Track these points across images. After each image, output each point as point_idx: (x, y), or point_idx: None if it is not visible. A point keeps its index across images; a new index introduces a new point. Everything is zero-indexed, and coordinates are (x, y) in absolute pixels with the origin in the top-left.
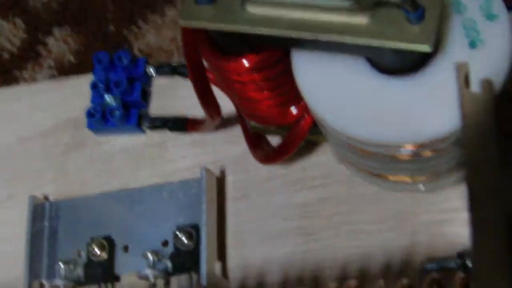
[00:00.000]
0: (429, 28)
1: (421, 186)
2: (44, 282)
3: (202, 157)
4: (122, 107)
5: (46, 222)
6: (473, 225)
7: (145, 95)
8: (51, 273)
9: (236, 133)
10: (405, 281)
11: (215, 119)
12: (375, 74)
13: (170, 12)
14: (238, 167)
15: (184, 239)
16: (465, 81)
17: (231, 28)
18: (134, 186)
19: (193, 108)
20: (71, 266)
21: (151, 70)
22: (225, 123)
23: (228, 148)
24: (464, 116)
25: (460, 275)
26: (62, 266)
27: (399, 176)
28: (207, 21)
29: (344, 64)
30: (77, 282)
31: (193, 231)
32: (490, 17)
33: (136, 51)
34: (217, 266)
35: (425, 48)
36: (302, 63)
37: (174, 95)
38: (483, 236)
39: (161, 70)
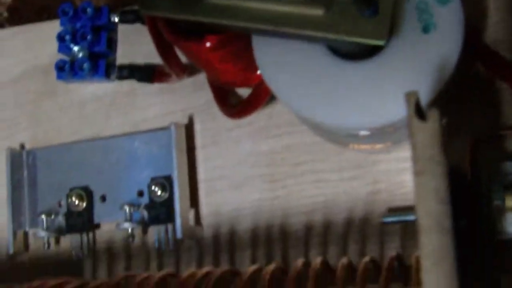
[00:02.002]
0: (382, 23)
1: (381, 148)
2: (28, 230)
3: (170, 105)
4: (90, 58)
5: (25, 171)
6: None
7: (111, 44)
8: (34, 223)
9: (203, 80)
10: (367, 258)
11: (180, 76)
12: (333, 58)
13: None
14: (206, 114)
15: (158, 190)
16: (415, 109)
17: (191, 18)
18: (106, 135)
19: None
20: (52, 217)
21: (115, 18)
22: (193, 71)
23: (195, 95)
24: (413, 145)
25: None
26: (44, 218)
27: (358, 145)
28: (167, 11)
29: (303, 48)
30: (59, 231)
31: (166, 183)
32: (443, 0)
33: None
34: (191, 214)
35: (379, 42)
36: (262, 46)
37: (139, 41)
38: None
39: (125, 18)
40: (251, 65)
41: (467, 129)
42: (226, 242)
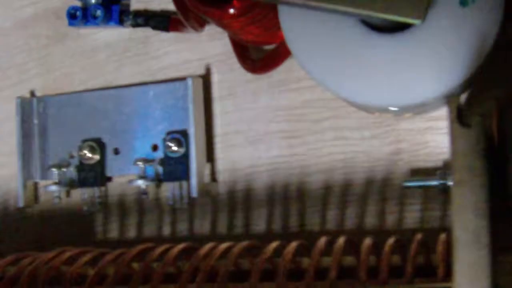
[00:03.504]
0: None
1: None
2: (38, 181)
3: (186, 54)
4: (103, 4)
5: (35, 120)
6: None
7: None
8: (45, 174)
9: (221, 29)
10: (391, 240)
11: (198, 30)
12: (364, 30)
13: None
14: (224, 65)
15: (173, 146)
16: (457, 115)
17: None
18: (119, 83)
19: None
20: (64, 170)
21: None
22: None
23: (213, 44)
24: (454, 152)
25: (443, 237)
26: (55, 171)
27: (383, 114)
28: None
29: (332, 18)
30: (70, 185)
31: (182, 138)
32: None
33: None
34: (207, 169)
35: (416, 21)
36: (289, 18)
37: None
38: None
39: None
40: (275, 24)
41: (496, 91)
42: (242, 200)
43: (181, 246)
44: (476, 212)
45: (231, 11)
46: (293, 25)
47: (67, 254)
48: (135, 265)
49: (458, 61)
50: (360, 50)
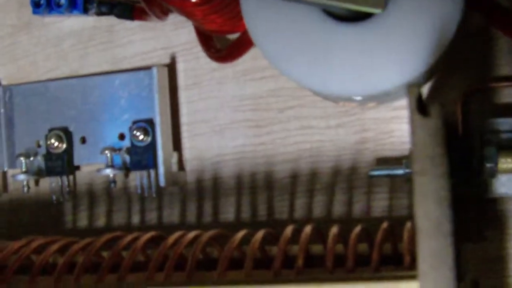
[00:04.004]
0: None
1: (373, 106)
2: (6, 170)
3: (151, 42)
4: None
5: (1, 109)
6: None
7: None
8: (12, 163)
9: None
10: (358, 229)
11: (161, 18)
12: (328, 20)
13: None
14: (189, 54)
15: (140, 135)
16: (417, 105)
17: None
18: (85, 72)
19: None
20: (31, 158)
21: None
22: None
23: (178, 33)
24: (414, 142)
25: (409, 226)
26: (22, 160)
27: (349, 103)
28: None
29: (295, 9)
30: (38, 174)
31: (148, 127)
32: None
33: None
34: (174, 158)
35: (377, 11)
36: (252, 8)
37: None
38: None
39: None
40: (238, 13)
41: (459, 80)
42: (210, 189)
43: (149, 234)
44: (437, 201)
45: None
46: (255, 14)
47: (37, 243)
48: (104, 253)
49: (420, 50)
50: (322, 40)
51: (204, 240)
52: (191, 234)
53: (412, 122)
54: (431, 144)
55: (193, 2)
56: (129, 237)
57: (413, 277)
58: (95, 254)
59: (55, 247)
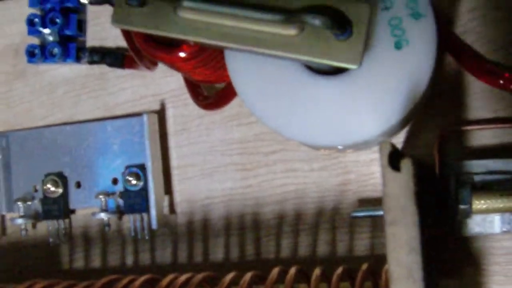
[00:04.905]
0: (356, 46)
1: (351, 152)
2: (4, 214)
3: (141, 89)
4: (60, 42)
5: None
6: None
7: (81, 26)
8: (10, 207)
9: None
10: (340, 270)
11: (151, 69)
12: (305, 72)
13: None
14: (178, 100)
15: (132, 180)
16: (388, 160)
17: (162, 33)
18: (78, 118)
19: None
20: (29, 203)
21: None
22: None
23: (167, 81)
24: (386, 194)
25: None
26: (20, 205)
27: (329, 150)
28: (139, 25)
29: (276, 63)
30: (35, 217)
31: (140, 172)
32: (416, 15)
33: None
34: (165, 202)
35: (352, 66)
36: (235, 61)
37: (109, 22)
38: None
39: None
40: (224, 65)
41: (436, 122)
42: (200, 230)
43: (144, 277)
44: (408, 249)
45: (181, 55)
46: (238, 67)
47: (38, 286)
48: None
49: (394, 102)
50: (302, 92)
51: (195, 282)
52: (183, 277)
53: (384, 176)
54: (401, 196)
55: (182, 57)
56: (125, 280)
57: None
58: None
59: None
